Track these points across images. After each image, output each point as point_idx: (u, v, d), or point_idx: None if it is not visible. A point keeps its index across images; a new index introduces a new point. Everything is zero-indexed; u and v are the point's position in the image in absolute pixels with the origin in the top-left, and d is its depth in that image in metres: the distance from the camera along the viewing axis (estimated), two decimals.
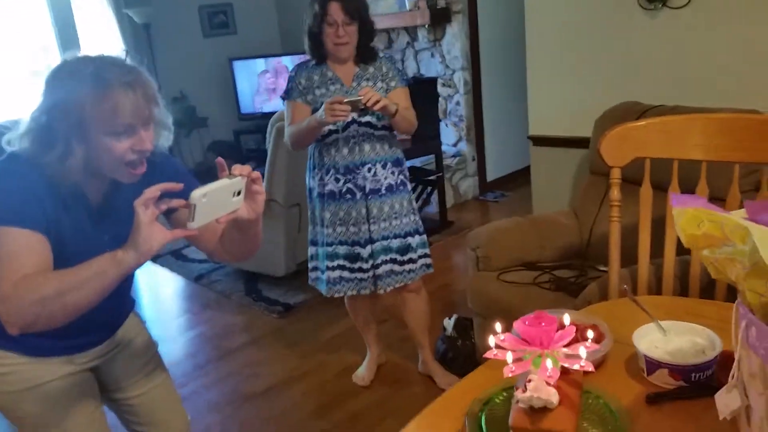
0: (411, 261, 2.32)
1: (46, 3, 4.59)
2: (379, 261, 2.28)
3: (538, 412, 0.86)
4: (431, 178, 4.39)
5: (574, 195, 2.72)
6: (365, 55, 2.25)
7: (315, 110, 2.15)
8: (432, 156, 4.41)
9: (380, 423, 2.36)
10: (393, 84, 2.26)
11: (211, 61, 5.50)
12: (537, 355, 0.89)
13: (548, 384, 0.86)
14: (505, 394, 0.99)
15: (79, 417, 1.39)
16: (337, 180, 2.25)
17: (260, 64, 5.37)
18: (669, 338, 1.08)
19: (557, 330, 0.91)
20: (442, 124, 5.00)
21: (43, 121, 1.16)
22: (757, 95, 2.27)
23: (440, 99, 4.93)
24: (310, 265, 2.42)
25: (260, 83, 5.39)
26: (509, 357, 0.89)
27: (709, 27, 2.37)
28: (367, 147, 2.23)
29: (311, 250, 2.41)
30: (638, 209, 1.52)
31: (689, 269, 1.51)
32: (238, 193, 1.13)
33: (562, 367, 0.88)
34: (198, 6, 5.44)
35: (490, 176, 5.20)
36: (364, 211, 2.26)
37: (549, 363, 0.87)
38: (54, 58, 4.63)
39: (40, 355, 1.33)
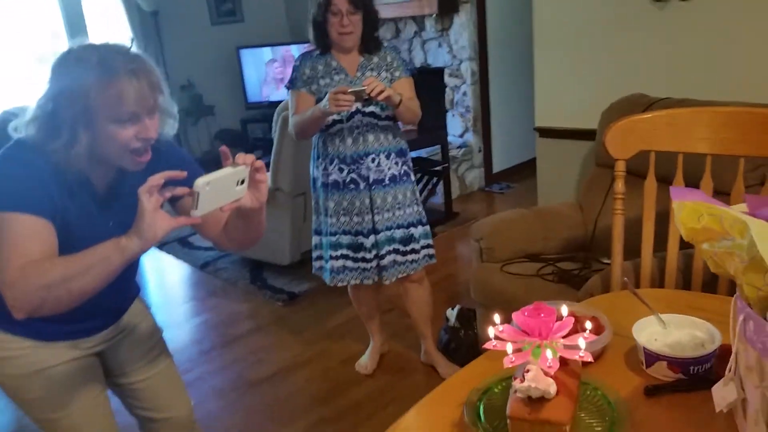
0: (414, 251, 2.32)
1: None
2: (383, 251, 2.29)
3: (535, 402, 0.86)
4: (437, 168, 4.38)
5: (580, 187, 2.71)
6: (370, 44, 2.24)
7: (319, 100, 2.15)
8: (438, 146, 4.40)
9: (382, 411, 2.38)
10: (397, 74, 2.26)
11: (218, 50, 5.49)
12: (536, 346, 0.89)
13: (546, 374, 0.86)
14: (503, 384, 1.00)
15: (84, 401, 1.41)
16: (341, 170, 2.25)
17: (267, 52, 5.36)
18: (669, 331, 1.08)
19: (556, 321, 0.91)
20: (449, 115, 4.98)
21: (49, 108, 1.17)
22: (766, 88, 2.25)
23: (447, 89, 4.92)
24: (314, 254, 2.43)
25: (268, 72, 5.38)
26: (509, 348, 0.90)
27: (718, 19, 2.35)
28: (371, 137, 2.23)
29: (315, 239, 2.41)
30: (643, 202, 1.51)
31: (692, 263, 1.51)
32: (242, 182, 1.14)
33: (561, 358, 0.89)
34: None
35: (496, 168, 5.18)
36: (367, 201, 2.26)
37: (548, 353, 0.87)
38: (63, 44, 4.64)
39: (45, 340, 1.34)
